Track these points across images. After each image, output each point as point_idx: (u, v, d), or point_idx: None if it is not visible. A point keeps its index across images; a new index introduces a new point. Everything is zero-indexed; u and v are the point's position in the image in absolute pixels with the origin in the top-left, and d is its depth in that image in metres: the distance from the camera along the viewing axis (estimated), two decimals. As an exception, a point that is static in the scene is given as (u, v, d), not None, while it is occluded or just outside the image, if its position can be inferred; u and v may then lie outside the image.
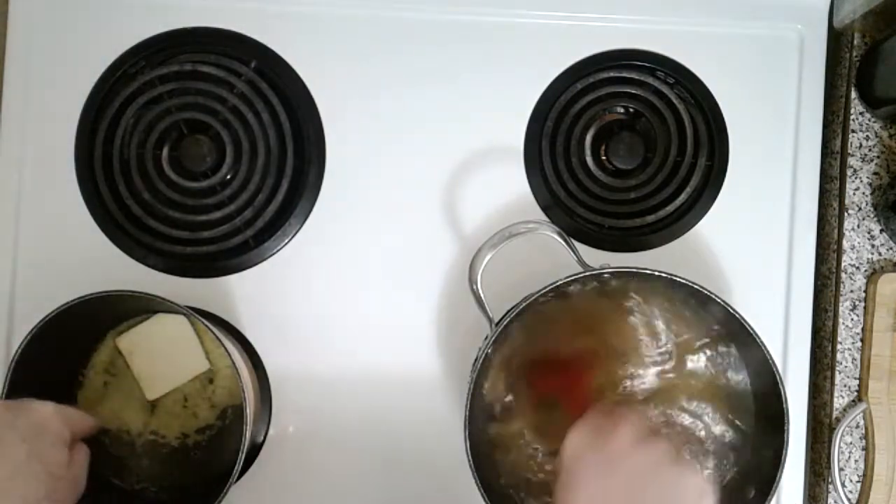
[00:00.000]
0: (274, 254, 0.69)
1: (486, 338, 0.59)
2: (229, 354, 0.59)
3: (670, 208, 0.70)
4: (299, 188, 0.69)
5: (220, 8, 0.70)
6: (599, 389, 0.64)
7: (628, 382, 0.64)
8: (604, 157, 0.70)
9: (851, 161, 0.69)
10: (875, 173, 0.69)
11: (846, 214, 0.69)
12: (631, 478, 0.48)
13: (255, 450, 0.68)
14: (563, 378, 0.64)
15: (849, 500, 0.67)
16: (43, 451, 0.51)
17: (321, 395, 0.68)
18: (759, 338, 0.58)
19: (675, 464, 0.49)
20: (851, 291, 0.69)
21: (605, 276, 0.61)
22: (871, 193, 0.69)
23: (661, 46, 0.71)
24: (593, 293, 0.64)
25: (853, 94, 0.69)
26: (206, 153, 0.66)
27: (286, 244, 0.69)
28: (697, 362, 0.64)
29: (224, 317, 0.68)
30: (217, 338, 0.60)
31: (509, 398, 0.64)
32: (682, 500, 0.48)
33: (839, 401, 0.68)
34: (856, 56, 0.70)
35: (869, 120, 0.69)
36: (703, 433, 0.64)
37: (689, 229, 0.70)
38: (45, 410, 0.52)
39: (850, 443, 0.68)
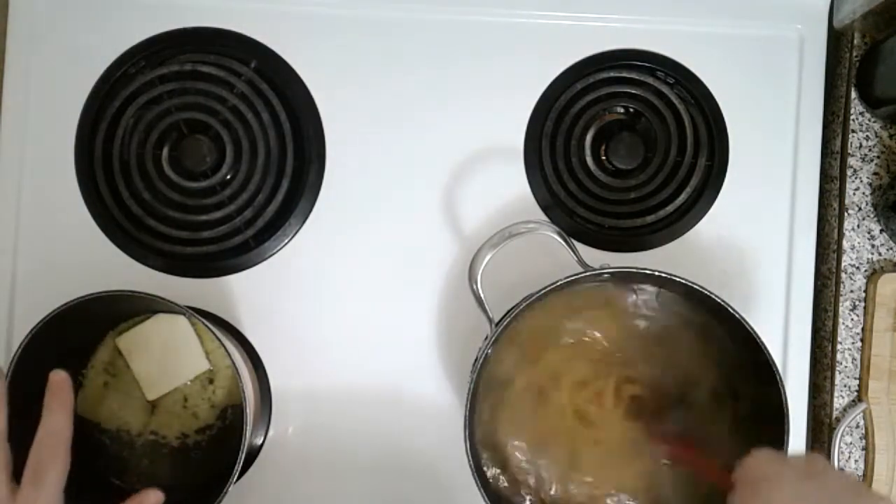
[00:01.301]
0: (274, 254, 0.69)
1: (486, 338, 0.59)
2: (229, 354, 0.59)
3: (670, 208, 0.70)
4: (299, 188, 0.69)
5: (220, 8, 0.70)
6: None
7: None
8: (604, 157, 0.70)
9: (851, 161, 0.69)
10: (875, 173, 0.69)
11: (846, 214, 0.69)
12: (826, 491, 0.47)
13: (254, 450, 0.68)
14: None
15: (849, 500, 0.67)
16: None
17: (321, 394, 0.68)
18: (759, 338, 0.58)
19: (867, 492, 0.48)
20: (851, 291, 0.69)
21: (605, 275, 0.61)
22: (871, 193, 0.69)
23: (661, 46, 0.71)
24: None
25: (853, 94, 0.69)
26: (206, 153, 0.66)
27: (286, 244, 0.69)
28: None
29: (224, 317, 0.68)
30: (217, 338, 0.60)
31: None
32: None
33: (839, 401, 0.68)
34: (856, 56, 0.70)
35: (869, 120, 0.69)
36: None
37: (689, 229, 0.70)
38: None
39: (850, 443, 0.68)
